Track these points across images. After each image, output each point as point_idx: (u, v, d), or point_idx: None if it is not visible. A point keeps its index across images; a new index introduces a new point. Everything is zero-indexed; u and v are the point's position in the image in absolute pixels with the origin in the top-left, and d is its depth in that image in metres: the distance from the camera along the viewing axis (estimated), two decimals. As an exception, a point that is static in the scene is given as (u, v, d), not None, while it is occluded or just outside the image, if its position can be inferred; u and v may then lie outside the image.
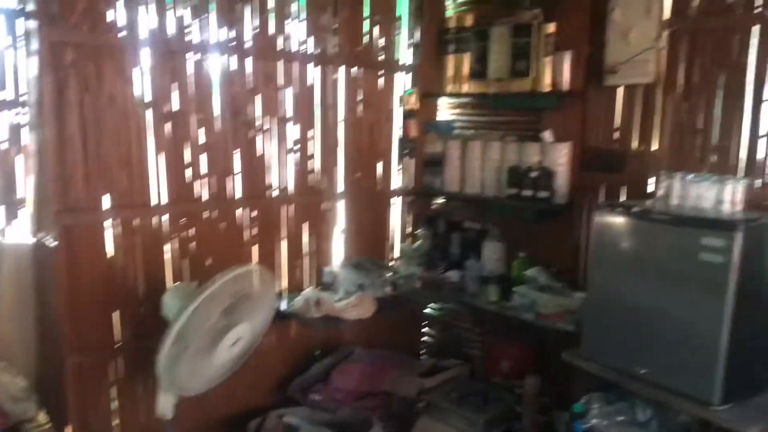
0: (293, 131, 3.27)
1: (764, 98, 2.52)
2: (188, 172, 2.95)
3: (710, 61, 2.67)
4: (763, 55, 2.52)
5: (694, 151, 2.74)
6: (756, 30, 2.53)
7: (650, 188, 2.89)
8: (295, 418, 3.10)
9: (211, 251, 3.06)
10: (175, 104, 2.86)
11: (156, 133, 2.82)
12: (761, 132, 2.53)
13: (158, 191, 2.86)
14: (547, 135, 3.16)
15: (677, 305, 2.21)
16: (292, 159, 3.29)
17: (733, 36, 2.59)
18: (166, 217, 2.91)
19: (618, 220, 2.40)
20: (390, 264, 3.69)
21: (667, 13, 2.77)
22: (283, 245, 3.33)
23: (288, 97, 3.22)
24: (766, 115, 2.52)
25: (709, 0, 2.65)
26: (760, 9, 2.52)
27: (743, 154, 2.59)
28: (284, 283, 3.36)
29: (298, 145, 3.30)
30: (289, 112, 3.24)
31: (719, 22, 2.63)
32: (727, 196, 2.34)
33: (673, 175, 2.50)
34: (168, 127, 2.85)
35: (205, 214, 3.04)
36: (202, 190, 3.01)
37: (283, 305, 3.19)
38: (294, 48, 3.20)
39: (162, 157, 2.85)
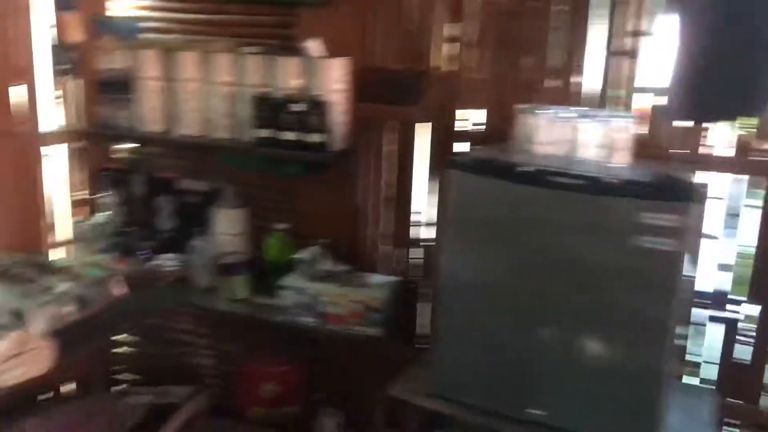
0: None
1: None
2: None
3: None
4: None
5: (520, 73, 1.99)
6: None
7: (460, 125, 2.09)
8: None
9: None
10: None
11: None
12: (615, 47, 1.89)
13: None
14: (314, 46, 2.08)
15: (594, 317, 1.47)
16: None
17: None
18: None
19: (489, 185, 1.51)
20: (60, 261, 2.22)
21: None
22: None
23: None
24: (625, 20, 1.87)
25: None
26: None
27: (593, 79, 1.93)
28: None
29: None
30: None
31: None
32: (620, 142, 1.65)
33: (536, 110, 1.72)
34: None
35: None
36: None
37: None
38: None
39: None
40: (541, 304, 1.50)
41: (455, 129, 2.10)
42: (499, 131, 1.91)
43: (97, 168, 2.42)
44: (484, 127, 2.05)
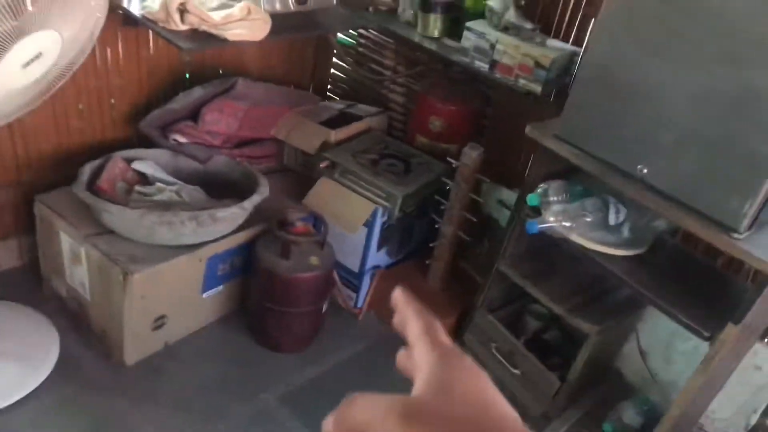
0: None
1: None
2: None
3: None
4: None
5: None
6: None
7: None
8: (148, 164, 2.28)
9: None
10: None
11: None
12: None
13: None
14: None
15: (729, 86, 1.46)
16: None
17: None
18: None
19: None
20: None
21: None
22: None
23: None
24: None
25: None
26: None
27: None
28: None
29: None
30: None
31: None
32: None
33: None
34: None
35: None
36: None
37: (133, 4, 2.15)
38: None
39: None
40: (684, 67, 1.52)
41: None
42: None
43: None
44: None
